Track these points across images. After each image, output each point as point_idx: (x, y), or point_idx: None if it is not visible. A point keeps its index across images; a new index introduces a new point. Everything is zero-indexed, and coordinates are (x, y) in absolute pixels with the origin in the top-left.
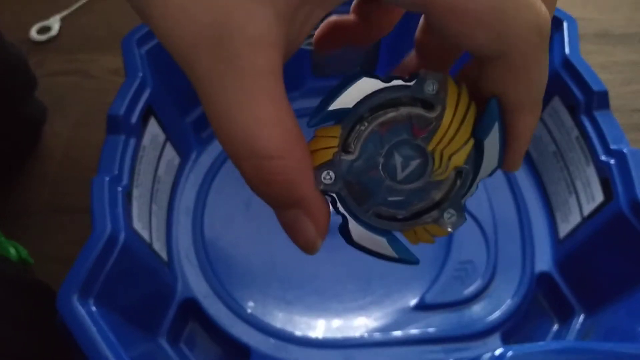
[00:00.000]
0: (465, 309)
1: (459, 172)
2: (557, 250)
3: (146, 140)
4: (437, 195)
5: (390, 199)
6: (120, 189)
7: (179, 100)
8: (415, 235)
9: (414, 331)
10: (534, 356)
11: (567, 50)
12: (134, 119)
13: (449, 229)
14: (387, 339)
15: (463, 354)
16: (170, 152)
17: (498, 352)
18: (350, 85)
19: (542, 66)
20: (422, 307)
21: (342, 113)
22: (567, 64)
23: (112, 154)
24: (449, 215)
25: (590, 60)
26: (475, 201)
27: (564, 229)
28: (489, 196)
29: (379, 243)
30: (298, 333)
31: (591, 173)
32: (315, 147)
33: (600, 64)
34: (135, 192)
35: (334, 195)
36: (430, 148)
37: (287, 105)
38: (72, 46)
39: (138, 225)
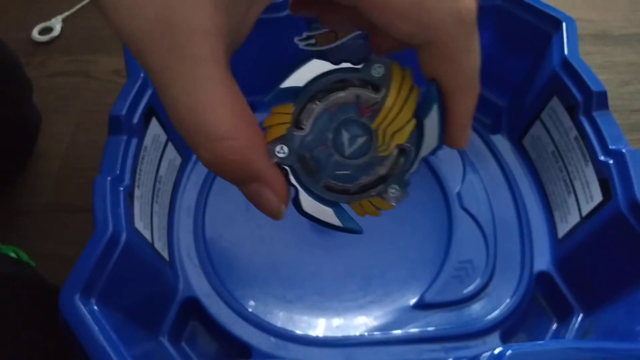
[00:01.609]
0: (465, 308)
1: (402, 149)
2: (556, 250)
3: (148, 140)
4: (382, 170)
5: (338, 172)
6: (122, 188)
7: None
8: (361, 208)
9: (413, 330)
10: (533, 355)
11: (566, 51)
12: (136, 119)
13: (393, 203)
14: (387, 337)
15: (462, 353)
16: (171, 152)
17: (497, 351)
18: (302, 66)
19: (469, 52)
20: (422, 306)
21: (294, 91)
22: (566, 64)
23: (114, 154)
24: (393, 190)
25: (589, 61)
26: (475, 201)
27: (562, 229)
28: (488, 196)
29: (327, 213)
30: (298, 332)
31: (590, 173)
32: (270, 123)
33: (599, 65)
34: (137, 192)
35: (287, 168)
36: (374, 126)
37: (232, 89)
38: (73, 47)
39: (140, 224)
